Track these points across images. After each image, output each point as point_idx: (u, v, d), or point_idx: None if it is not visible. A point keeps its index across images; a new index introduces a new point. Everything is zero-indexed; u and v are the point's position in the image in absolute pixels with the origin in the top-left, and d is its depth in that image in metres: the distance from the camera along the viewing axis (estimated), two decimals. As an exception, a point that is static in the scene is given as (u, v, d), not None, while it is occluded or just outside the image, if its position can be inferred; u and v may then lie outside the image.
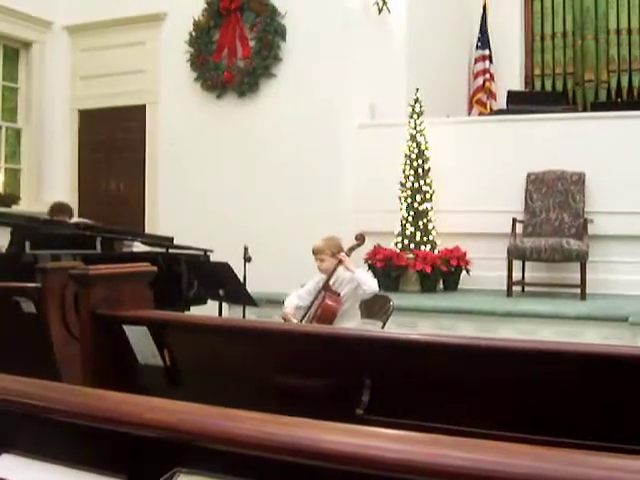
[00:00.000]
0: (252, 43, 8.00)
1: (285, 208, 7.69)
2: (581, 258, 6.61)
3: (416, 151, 7.38)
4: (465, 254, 7.23)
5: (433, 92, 7.99)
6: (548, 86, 10.42)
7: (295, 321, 4.59)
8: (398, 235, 7.36)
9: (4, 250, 5.69)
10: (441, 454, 1.09)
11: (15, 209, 8.26)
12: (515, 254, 6.81)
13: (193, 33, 8.29)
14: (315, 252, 4.59)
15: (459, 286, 7.33)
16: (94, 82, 8.88)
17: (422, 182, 7.34)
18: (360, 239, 4.71)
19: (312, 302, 4.51)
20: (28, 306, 3.69)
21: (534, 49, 10.54)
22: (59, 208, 6.50)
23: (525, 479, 1.02)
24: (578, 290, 6.61)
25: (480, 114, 9.83)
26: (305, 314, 4.51)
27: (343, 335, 2.57)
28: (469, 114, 10.01)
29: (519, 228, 7.06)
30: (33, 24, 8.66)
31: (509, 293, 6.80)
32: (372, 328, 4.36)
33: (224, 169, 8.09)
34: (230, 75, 8.06)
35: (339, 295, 4.46)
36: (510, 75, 10.27)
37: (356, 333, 2.75)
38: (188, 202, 8.24)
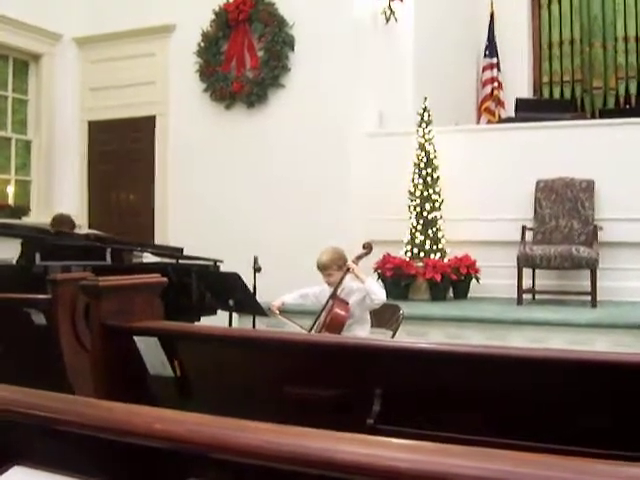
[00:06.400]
0: (260, 53, 8.03)
1: (294, 217, 7.70)
2: (591, 265, 6.58)
3: (425, 159, 7.38)
4: (475, 262, 7.21)
5: (441, 100, 7.99)
6: (556, 94, 10.42)
7: (277, 313, 4.65)
8: (407, 244, 7.36)
9: (15, 262, 5.71)
10: (453, 464, 1.09)
11: (25, 221, 8.29)
12: (525, 262, 6.79)
13: (202, 44, 8.32)
14: (321, 268, 4.55)
15: (469, 294, 7.31)
16: (104, 94, 8.92)
17: (431, 190, 7.34)
18: (367, 247, 4.70)
19: (320, 311, 4.50)
20: (39, 317, 3.70)
21: (542, 57, 10.56)
22: (60, 220, 6.53)
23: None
24: (588, 298, 6.58)
25: (489, 122, 9.84)
26: (314, 323, 4.50)
27: (353, 344, 2.57)
28: (478, 122, 10.02)
29: (529, 236, 7.05)
30: (42, 36, 8.70)
31: (519, 301, 6.77)
32: (382, 337, 4.35)
33: (233, 179, 8.11)
34: (239, 85, 8.08)
35: (348, 304, 4.45)
36: (518, 83, 10.28)
37: (366, 342, 2.75)
38: (198, 212, 8.25)
